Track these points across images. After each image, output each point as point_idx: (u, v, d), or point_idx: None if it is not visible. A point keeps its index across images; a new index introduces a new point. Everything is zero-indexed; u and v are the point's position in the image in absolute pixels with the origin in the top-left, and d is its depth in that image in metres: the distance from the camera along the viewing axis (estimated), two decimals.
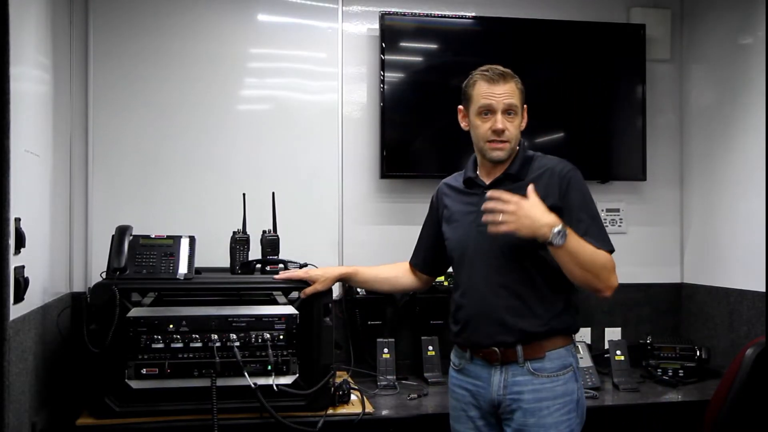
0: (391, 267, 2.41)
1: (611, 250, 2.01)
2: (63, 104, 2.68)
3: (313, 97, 3.03)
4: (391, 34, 3.02)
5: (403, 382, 2.84)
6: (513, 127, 2.06)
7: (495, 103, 2.04)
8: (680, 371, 2.90)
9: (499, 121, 2.04)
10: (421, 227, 2.37)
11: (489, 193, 1.96)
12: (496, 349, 2.03)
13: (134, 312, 2.23)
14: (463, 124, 2.16)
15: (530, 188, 1.95)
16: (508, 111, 2.05)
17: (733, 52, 3.01)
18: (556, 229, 1.88)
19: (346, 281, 2.49)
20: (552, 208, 1.96)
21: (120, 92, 2.87)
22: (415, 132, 3.08)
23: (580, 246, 1.92)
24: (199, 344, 2.25)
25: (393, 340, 2.86)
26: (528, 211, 1.89)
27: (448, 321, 2.21)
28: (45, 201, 2.38)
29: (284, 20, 3.02)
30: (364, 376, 2.83)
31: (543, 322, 2.01)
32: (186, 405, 2.24)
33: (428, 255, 2.32)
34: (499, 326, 2.02)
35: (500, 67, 2.09)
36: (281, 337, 2.31)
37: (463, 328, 2.11)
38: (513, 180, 2.08)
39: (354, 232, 3.06)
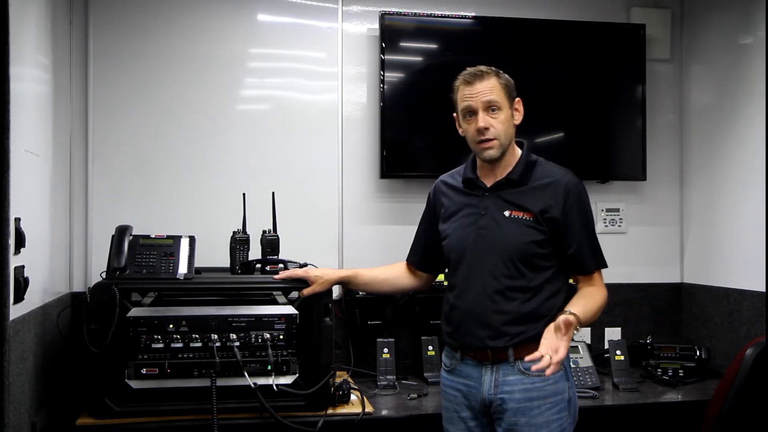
0: (390, 267, 2.40)
1: (604, 266, 2.11)
2: (63, 104, 2.68)
3: (313, 97, 3.03)
4: (391, 34, 3.02)
5: (403, 382, 2.84)
6: (498, 122, 2.05)
7: (473, 103, 2.05)
8: (680, 371, 2.90)
9: (481, 119, 2.04)
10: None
11: (528, 358, 1.85)
12: (488, 350, 2.05)
13: (134, 312, 2.23)
14: (459, 131, 2.16)
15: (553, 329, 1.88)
16: (490, 107, 2.04)
17: (733, 52, 3.01)
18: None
19: (345, 284, 2.49)
20: (552, 220, 2.02)
21: (120, 92, 2.87)
22: (415, 132, 3.08)
23: (588, 318, 1.99)
24: (199, 344, 2.25)
25: (393, 340, 2.85)
26: (563, 352, 1.84)
27: (440, 320, 2.22)
28: (45, 201, 2.37)
29: (284, 20, 3.02)
30: (364, 376, 2.82)
31: (535, 327, 2.00)
32: (186, 405, 2.24)
33: (426, 253, 2.31)
34: (491, 331, 2.03)
35: (480, 67, 2.08)
36: (281, 337, 2.31)
37: (455, 330, 2.13)
38: (515, 185, 2.09)
39: (354, 232, 3.06)
